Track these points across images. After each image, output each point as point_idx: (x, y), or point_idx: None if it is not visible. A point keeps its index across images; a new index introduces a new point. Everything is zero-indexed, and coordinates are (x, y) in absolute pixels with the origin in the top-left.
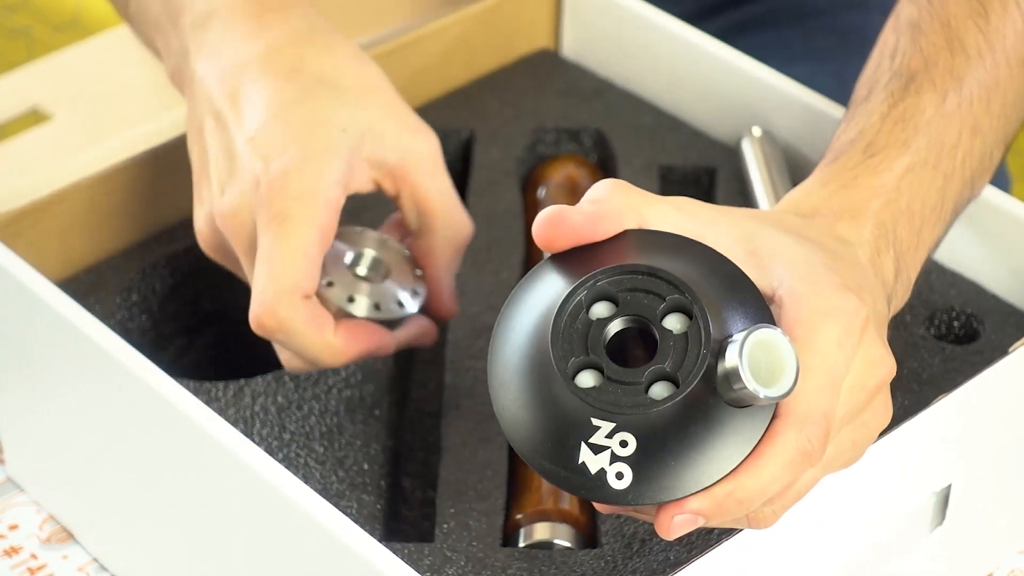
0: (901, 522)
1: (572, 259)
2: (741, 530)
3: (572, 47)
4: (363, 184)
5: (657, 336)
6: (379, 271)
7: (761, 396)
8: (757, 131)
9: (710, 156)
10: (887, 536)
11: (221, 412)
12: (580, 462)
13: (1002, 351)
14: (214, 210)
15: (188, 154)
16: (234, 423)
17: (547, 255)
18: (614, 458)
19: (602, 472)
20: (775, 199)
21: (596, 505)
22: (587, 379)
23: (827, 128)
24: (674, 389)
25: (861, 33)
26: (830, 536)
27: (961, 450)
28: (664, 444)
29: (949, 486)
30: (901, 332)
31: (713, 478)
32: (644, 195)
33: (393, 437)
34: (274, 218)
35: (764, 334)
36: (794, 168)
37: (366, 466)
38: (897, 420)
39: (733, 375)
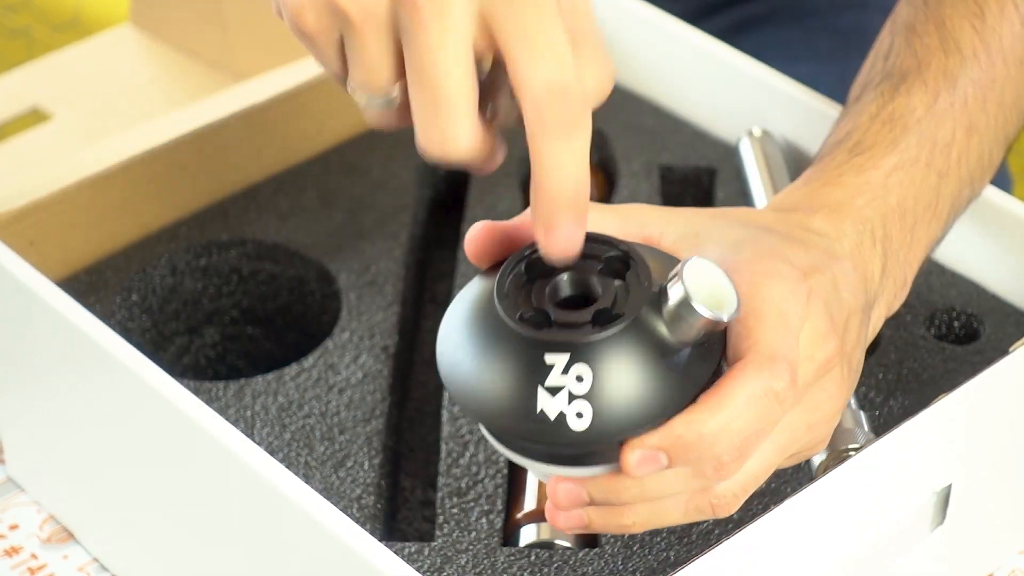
0: (901, 522)
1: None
2: (741, 530)
3: None
4: None
5: (599, 287)
6: None
7: (710, 317)
8: (757, 131)
9: (710, 156)
10: (887, 536)
11: (221, 412)
12: (539, 410)
13: (1002, 351)
14: None
15: None
16: (234, 423)
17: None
18: (572, 397)
19: (562, 416)
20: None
21: (557, 497)
22: (536, 325)
23: (827, 128)
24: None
25: (861, 33)
26: (830, 536)
27: (962, 450)
28: (620, 376)
29: (949, 486)
30: (901, 332)
31: (671, 411)
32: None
33: (393, 437)
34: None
35: (700, 261)
36: (794, 168)
37: (366, 466)
38: (897, 420)
39: (681, 304)
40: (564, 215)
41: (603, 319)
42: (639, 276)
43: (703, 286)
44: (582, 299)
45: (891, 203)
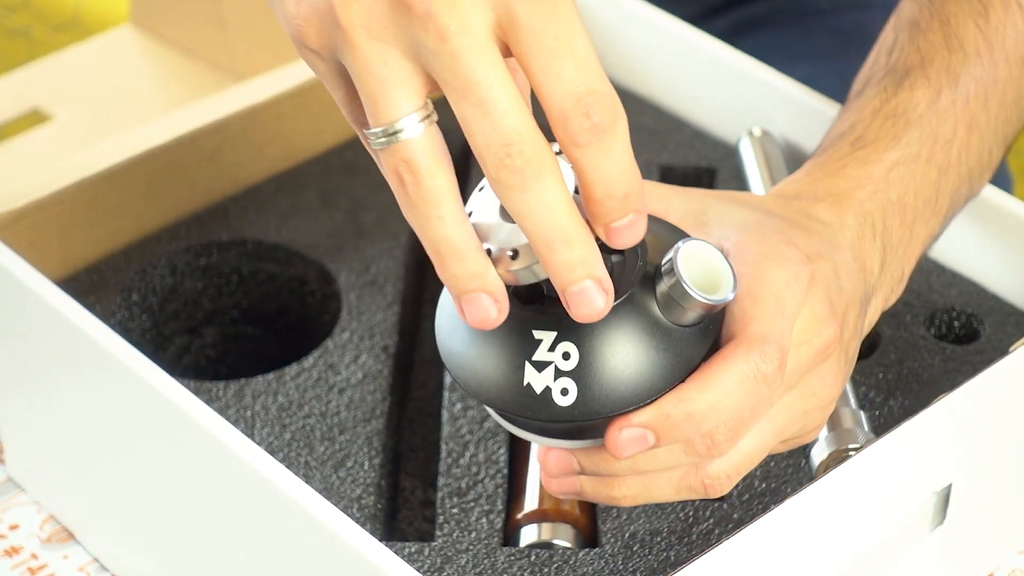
0: (902, 522)
1: None
2: (741, 530)
3: None
4: None
5: None
6: None
7: (702, 300)
8: (757, 131)
9: (711, 156)
10: (888, 536)
11: (222, 412)
12: (525, 384)
13: (1002, 351)
14: None
15: None
16: (234, 423)
17: None
18: (558, 373)
19: (547, 391)
20: None
21: (548, 464)
22: (527, 299)
23: (827, 128)
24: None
25: (863, 33)
26: (830, 536)
27: (962, 450)
28: (607, 356)
29: (950, 486)
30: (901, 332)
31: (658, 391)
32: None
33: (393, 437)
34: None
35: (696, 244)
36: (794, 168)
37: (366, 466)
38: (898, 420)
39: (673, 286)
40: (618, 215)
41: None
42: (636, 253)
43: (698, 267)
44: None
45: (892, 197)
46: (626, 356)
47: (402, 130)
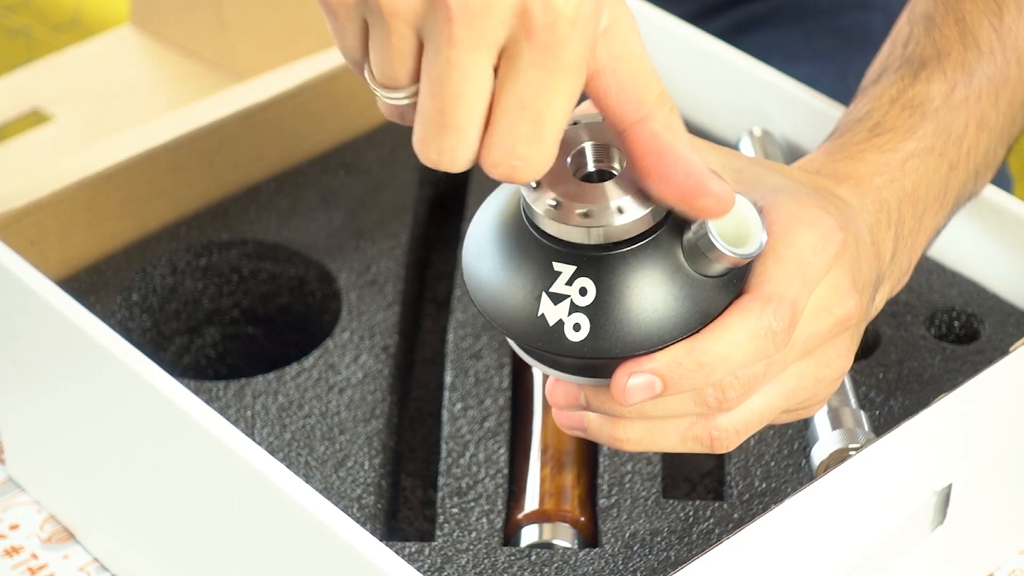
0: (902, 522)
1: None
2: (741, 529)
3: None
4: None
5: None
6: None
7: (727, 253)
8: (757, 130)
9: None
10: (888, 535)
11: (222, 411)
12: (540, 314)
13: (1002, 351)
14: None
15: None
16: (235, 423)
17: None
18: (573, 308)
19: (560, 323)
20: None
21: (555, 395)
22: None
23: (829, 128)
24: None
25: (863, 33)
26: (831, 535)
27: (962, 450)
28: (624, 297)
29: (950, 486)
30: (901, 332)
31: (672, 338)
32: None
33: (393, 437)
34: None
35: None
36: None
37: (367, 466)
38: (898, 420)
39: (700, 236)
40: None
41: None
42: None
43: (729, 220)
44: None
45: (907, 188)
46: (643, 299)
47: (400, 97)
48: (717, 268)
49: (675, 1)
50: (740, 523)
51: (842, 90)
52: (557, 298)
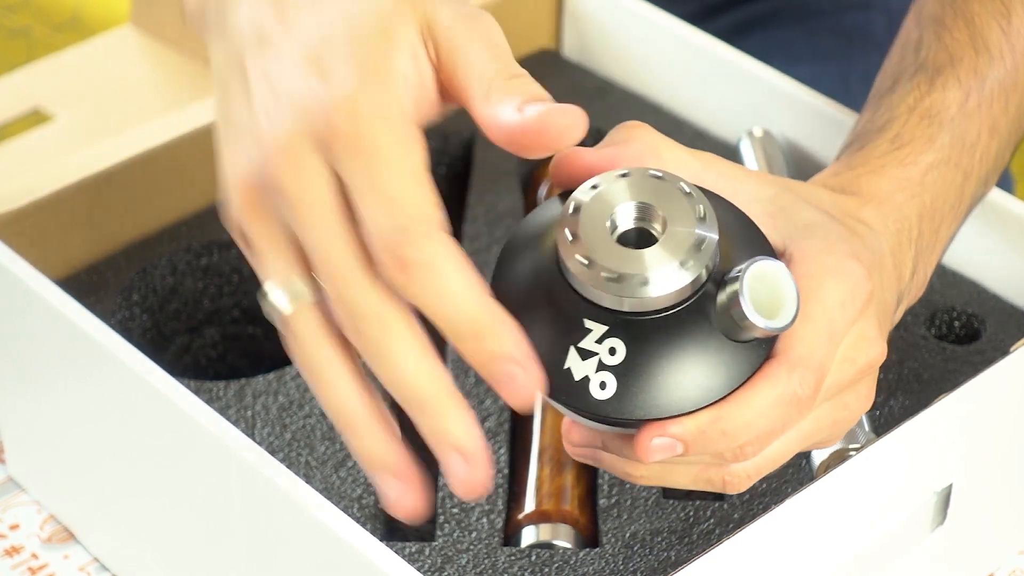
0: (902, 522)
1: None
2: (742, 530)
3: (573, 47)
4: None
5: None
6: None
7: (760, 325)
8: (758, 131)
9: None
10: (888, 536)
11: (222, 412)
12: (566, 367)
13: (1003, 351)
14: (263, 143)
15: (215, 121)
16: (235, 423)
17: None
18: (600, 366)
19: (586, 379)
20: None
21: (572, 435)
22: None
23: (829, 128)
24: None
25: (864, 34)
26: (831, 536)
27: (962, 450)
28: (654, 359)
29: (950, 486)
30: (902, 332)
31: (698, 404)
32: (666, 141)
33: None
34: (359, 147)
35: (767, 265)
36: (795, 168)
37: None
38: (898, 420)
39: (733, 303)
40: (481, 360)
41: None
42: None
43: (763, 291)
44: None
45: (926, 202)
46: (672, 364)
47: (285, 300)
48: (747, 336)
49: (676, 1)
50: (740, 523)
51: (843, 90)
52: (585, 354)
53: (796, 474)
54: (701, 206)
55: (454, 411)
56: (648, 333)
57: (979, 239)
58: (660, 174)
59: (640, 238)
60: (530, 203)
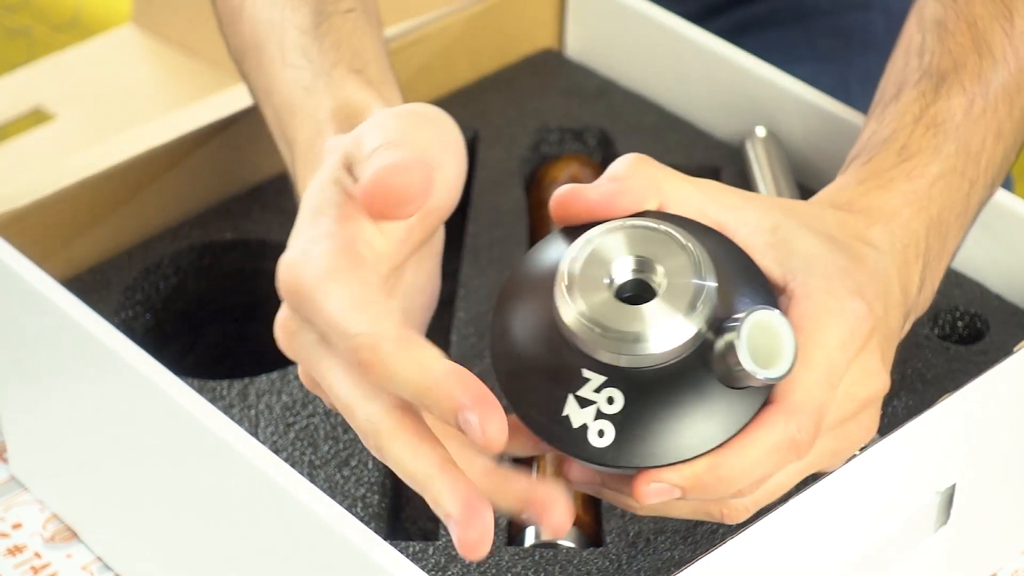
0: (905, 522)
1: (585, 228)
2: (745, 529)
3: (576, 47)
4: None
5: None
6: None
7: (757, 376)
8: (761, 131)
9: (714, 156)
10: (891, 536)
11: (226, 411)
12: (564, 414)
13: (1006, 351)
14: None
15: None
16: (239, 422)
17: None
18: (599, 415)
19: (584, 427)
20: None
21: (571, 472)
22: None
23: (832, 128)
24: None
25: (863, 34)
26: (834, 535)
27: (966, 450)
28: (652, 408)
29: (953, 486)
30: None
31: (695, 452)
32: (667, 173)
33: None
34: (300, 301)
35: (765, 315)
36: (798, 168)
37: (371, 465)
38: (901, 420)
39: (730, 352)
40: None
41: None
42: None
43: (761, 339)
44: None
45: (933, 214)
46: (671, 414)
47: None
48: (744, 384)
49: (676, 1)
50: (743, 523)
51: (842, 90)
52: (584, 402)
53: None
54: (698, 256)
55: (440, 486)
56: (647, 383)
57: (983, 240)
58: (656, 225)
59: (638, 290)
60: (532, 203)
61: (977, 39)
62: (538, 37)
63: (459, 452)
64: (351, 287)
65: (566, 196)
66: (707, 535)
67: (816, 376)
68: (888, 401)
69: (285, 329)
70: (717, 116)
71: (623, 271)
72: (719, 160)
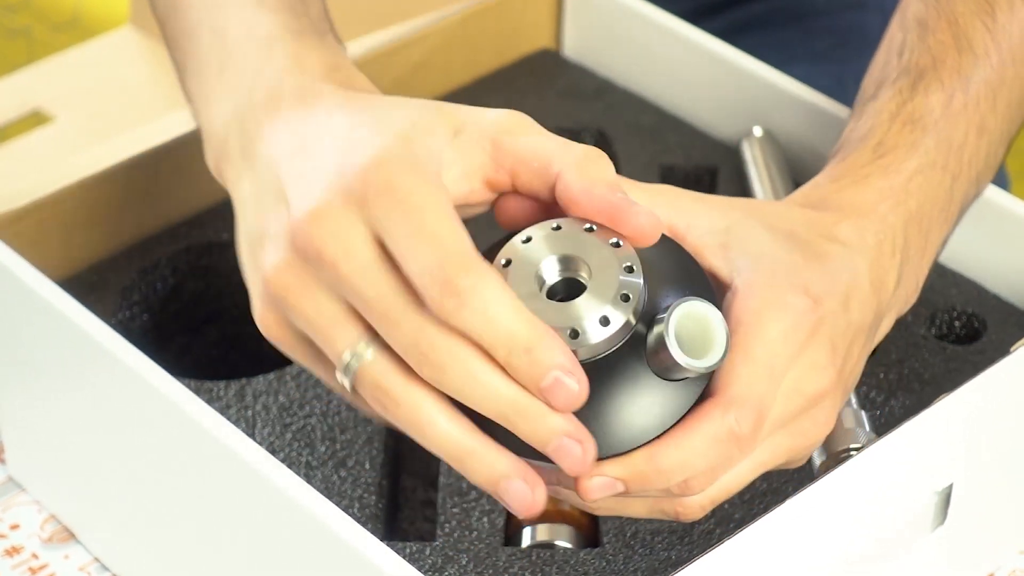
0: (902, 522)
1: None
2: (742, 530)
3: (573, 47)
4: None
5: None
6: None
7: (688, 366)
8: (758, 131)
9: (711, 155)
10: (888, 536)
11: (223, 411)
12: None
13: (1003, 351)
14: (295, 220)
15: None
16: (236, 422)
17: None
18: None
19: None
20: (776, 199)
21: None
22: None
23: (828, 128)
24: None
25: (860, 33)
26: (831, 536)
27: (963, 450)
28: (590, 402)
29: (951, 486)
30: (902, 332)
31: (633, 444)
32: (620, 181)
33: (394, 437)
34: (393, 196)
35: (695, 306)
36: (795, 168)
37: (367, 466)
38: (899, 420)
39: (661, 344)
40: (532, 373)
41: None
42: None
43: (695, 330)
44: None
45: (912, 208)
46: (608, 406)
47: (352, 359)
48: (678, 375)
49: (672, 0)
50: (741, 523)
51: (838, 90)
52: None
53: (796, 474)
54: (627, 253)
55: (544, 410)
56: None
57: (979, 239)
58: (591, 225)
59: (569, 288)
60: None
61: (958, 35)
62: (536, 37)
63: None
64: (449, 203)
65: (510, 200)
66: (704, 536)
67: (755, 369)
68: (885, 401)
69: (266, 321)
70: (714, 116)
71: (552, 271)
72: (716, 160)
